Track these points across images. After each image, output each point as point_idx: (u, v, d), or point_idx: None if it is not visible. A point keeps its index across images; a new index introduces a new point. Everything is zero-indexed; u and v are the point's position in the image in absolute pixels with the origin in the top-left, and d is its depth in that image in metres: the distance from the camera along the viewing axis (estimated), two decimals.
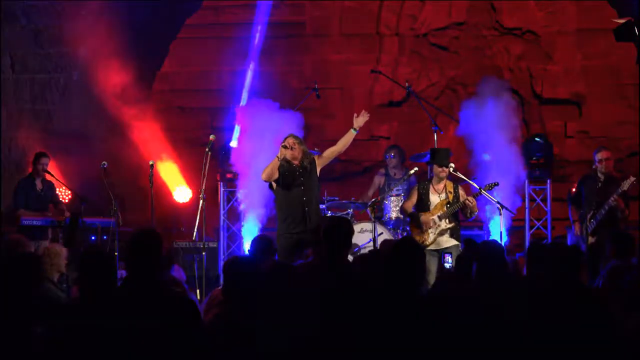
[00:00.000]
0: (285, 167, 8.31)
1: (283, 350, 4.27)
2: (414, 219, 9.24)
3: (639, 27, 10.33)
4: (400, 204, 9.97)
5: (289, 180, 8.30)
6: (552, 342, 4.19)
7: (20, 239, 7.31)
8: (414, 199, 9.26)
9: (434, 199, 9.15)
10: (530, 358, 4.26)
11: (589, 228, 9.50)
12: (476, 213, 9.23)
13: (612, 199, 9.34)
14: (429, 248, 9.00)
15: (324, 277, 5.37)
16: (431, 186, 9.22)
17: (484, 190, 9.08)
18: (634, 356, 4.39)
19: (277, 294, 4.61)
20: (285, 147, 8.28)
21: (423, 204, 9.17)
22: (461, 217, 9.35)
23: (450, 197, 9.10)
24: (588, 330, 4.16)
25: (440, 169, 9.13)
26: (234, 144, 10.93)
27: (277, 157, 8.27)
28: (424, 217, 9.11)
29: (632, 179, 9.35)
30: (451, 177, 9.23)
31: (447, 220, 9.07)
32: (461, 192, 9.15)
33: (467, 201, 9.01)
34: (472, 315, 4.30)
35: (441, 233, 9.07)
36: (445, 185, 9.16)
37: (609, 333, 4.15)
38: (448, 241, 9.05)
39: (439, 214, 9.08)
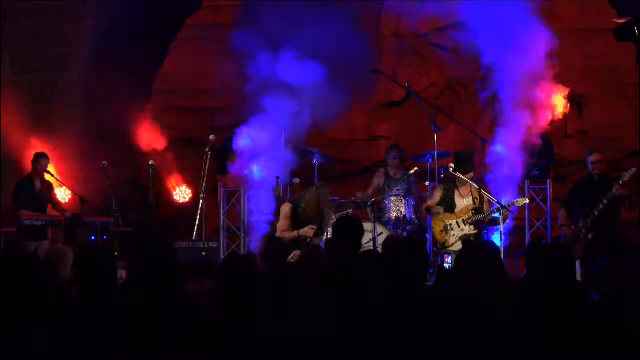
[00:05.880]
0: (304, 217, 8.55)
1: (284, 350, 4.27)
2: (438, 217, 9.27)
3: (639, 27, 10.34)
4: (400, 204, 9.98)
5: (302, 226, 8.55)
6: (549, 344, 4.19)
7: (20, 239, 7.31)
8: (436, 199, 9.33)
9: (460, 202, 9.24)
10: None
11: (586, 226, 9.44)
12: (488, 219, 9.27)
13: (615, 189, 9.17)
14: (451, 249, 9.10)
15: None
16: (456, 190, 9.28)
17: (510, 205, 9.11)
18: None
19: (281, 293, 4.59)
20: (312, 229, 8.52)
21: (448, 206, 9.23)
22: None
23: (477, 202, 9.16)
24: (585, 333, 4.16)
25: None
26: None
27: (299, 232, 8.43)
28: (447, 217, 9.18)
29: (633, 169, 9.24)
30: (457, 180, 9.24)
31: (472, 227, 9.12)
32: (485, 197, 9.16)
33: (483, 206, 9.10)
34: (468, 315, 4.31)
35: (463, 237, 9.12)
36: (471, 190, 9.22)
37: (608, 336, 4.15)
38: None
39: (464, 217, 9.14)
